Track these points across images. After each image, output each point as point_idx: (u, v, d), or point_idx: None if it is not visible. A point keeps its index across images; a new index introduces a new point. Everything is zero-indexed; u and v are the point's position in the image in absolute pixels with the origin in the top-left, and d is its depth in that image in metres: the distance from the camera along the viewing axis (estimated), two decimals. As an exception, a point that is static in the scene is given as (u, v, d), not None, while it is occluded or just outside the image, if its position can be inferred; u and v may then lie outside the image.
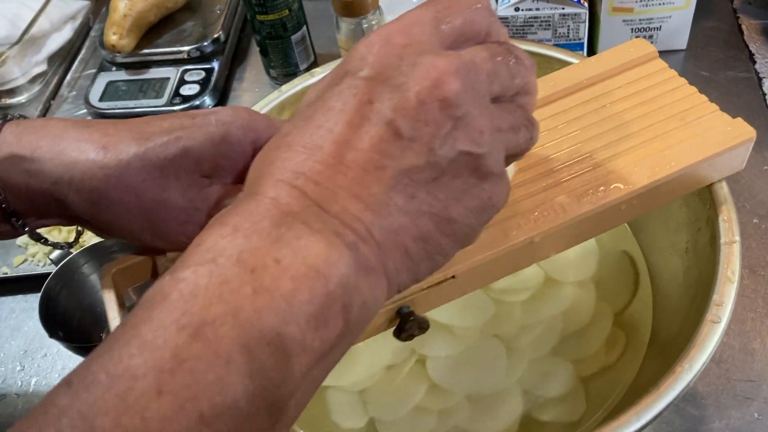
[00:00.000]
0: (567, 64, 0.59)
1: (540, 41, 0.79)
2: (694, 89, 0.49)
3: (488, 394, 0.54)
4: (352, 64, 0.31)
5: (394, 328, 0.41)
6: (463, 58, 0.30)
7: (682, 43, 0.80)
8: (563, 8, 0.77)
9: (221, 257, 0.26)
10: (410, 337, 0.40)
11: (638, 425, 0.40)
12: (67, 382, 0.24)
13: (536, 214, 0.43)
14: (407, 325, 0.40)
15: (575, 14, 0.77)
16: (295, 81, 0.63)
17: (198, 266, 0.26)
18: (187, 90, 0.84)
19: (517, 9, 0.78)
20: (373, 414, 0.54)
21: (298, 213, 0.28)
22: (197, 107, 0.83)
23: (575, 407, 0.53)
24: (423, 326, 0.40)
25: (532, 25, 0.78)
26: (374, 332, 0.41)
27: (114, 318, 0.42)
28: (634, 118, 0.48)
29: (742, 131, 0.46)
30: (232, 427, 0.24)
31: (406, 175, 0.29)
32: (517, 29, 0.79)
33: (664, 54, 0.53)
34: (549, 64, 0.60)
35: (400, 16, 0.32)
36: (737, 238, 0.47)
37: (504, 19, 0.78)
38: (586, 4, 0.77)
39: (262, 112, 0.61)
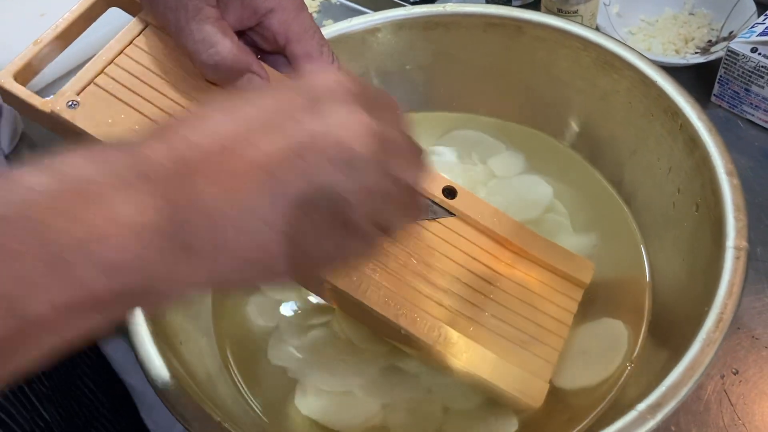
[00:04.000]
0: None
1: (764, 99, 0.64)
2: (564, 338, 0.50)
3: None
4: (299, 83, 0.33)
5: None
6: (388, 131, 0.33)
7: None
8: (808, 74, 0.61)
9: (70, 177, 0.28)
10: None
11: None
12: None
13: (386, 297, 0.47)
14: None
15: (817, 87, 0.61)
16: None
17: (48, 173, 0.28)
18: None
19: (754, 50, 0.63)
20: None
21: (156, 175, 0.29)
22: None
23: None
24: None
25: (762, 76, 0.63)
26: None
27: None
28: (507, 304, 0.50)
29: (534, 394, 0.47)
30: None
31: (281, 188, 0.30)
32: (742, 72, 0.64)
33: None
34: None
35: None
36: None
37: (734, 55, 0.64)
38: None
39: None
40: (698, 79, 0.70)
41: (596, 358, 0.52)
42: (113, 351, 0.72)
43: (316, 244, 0.32)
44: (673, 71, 0.70)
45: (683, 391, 0.39)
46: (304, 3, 0.47)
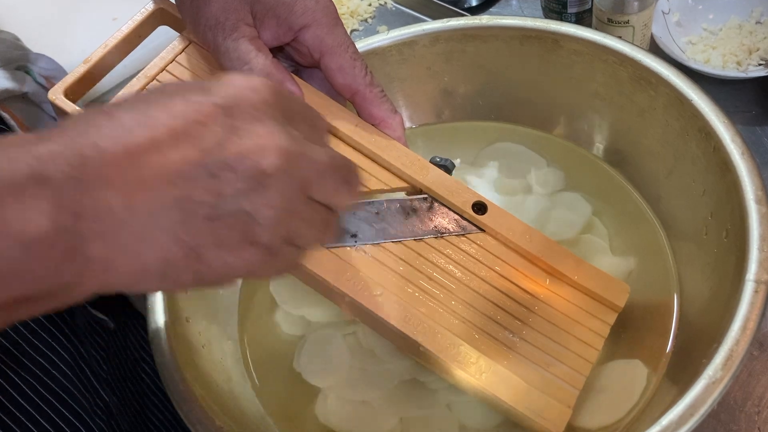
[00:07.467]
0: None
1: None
2: (592, 363, 0.48)
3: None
4: (215, 86, 0.33)
5: None
6: (304, 149, 0.33)
7: None
8: None
9: None
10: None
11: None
12: None
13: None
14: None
15: None
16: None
17: None
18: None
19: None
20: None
21: (54, 179, 0.28)
22: None
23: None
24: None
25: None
26: None
27: None
28: (534, 325, 0.48)
29: (555, 420, 0.45)
30: None
31: (188, 202, 0.31)
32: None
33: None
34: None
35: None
36: None
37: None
38: None
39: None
40: (761, 92, 0.66)
41: (610, 401, 0.49)
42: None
43: (221, 258, 0.32)
44: (733, 85, 0.67)
45: (681, 430, 0.37)
46: (338, 18, 0.48)
